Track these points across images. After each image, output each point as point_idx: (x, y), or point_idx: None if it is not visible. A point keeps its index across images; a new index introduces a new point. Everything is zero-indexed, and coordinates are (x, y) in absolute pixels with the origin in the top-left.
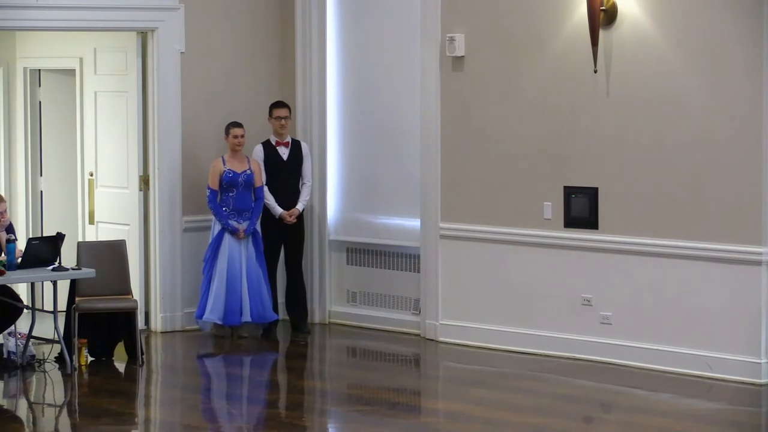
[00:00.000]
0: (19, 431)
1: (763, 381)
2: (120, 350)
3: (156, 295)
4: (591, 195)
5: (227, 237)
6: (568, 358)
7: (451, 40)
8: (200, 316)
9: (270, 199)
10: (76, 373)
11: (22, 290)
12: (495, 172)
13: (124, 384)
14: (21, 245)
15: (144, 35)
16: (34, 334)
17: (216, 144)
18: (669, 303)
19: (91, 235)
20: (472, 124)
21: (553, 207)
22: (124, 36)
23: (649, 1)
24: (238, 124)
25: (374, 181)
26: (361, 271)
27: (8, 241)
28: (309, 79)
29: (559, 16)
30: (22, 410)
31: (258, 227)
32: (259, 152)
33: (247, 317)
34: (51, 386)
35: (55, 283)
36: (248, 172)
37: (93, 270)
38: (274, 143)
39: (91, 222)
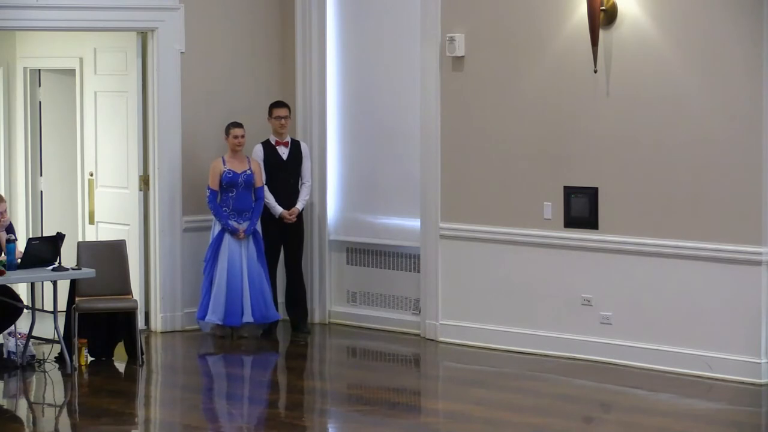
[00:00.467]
0: (19, 431)
1: (763, 381)
2: (120, 350)
3: (156, 295)
4: (591, 195)
5: (227, 237)
6: (568, 358)
7: (451, 40)
8: (202, 317)
9: (270, 199)
10: (76, 373)
11: (22, 290)
12: (495, 172)
13: (124, 384)
14: (21, 245)
15: (144, 35)
16: (34, 334)
17: (216, 144)
18: (669, 303)
19: (91, 235)
20: (472, 124)
21: (553, 207)
22: (124, 36)
23: (649, 1)
24: (239, 125)
25: (374, 181)
26: (361, 271)
27: (8, 241)
28: (309, 79)
29: (559, 16)
30: (22, 410)
31: (258, 227)
32: (258, 152)
33: (249, 317)
34: (51, 386)
35: (55, 283)
36: (248, 172)
37: (93, 270)
38: (273, 143)
39: (91, 222)
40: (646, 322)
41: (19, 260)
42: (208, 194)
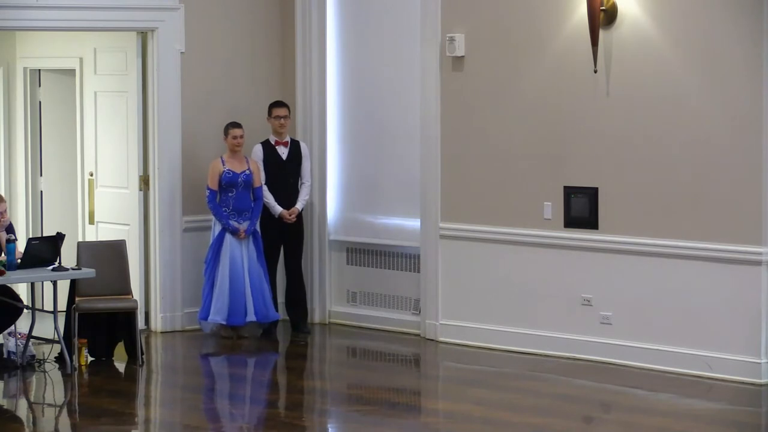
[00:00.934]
0: (19, 431)
1: (763, 381)
2: (120, 350)
3: (156, 295)
4: (591, 195)
5: (228, 238)
6: (568, 358)
7: (451, 40)
8: (204, 317)
9: (269, 199)
10: (76, 373)
11: (22, 290)
12: (495, 172)
13: (124, 384)
14: (21, 245)
15: (144, 35)
16: (34, 334)
17: (216, 144)
18: (669, 303)
19: (91, 235)
20: (472, 124)
21: (553, 207)
22: (124, 36)
23: (649, 1)
24: (237, 125)
25: (374, 181)
26: (361, 271)
27: (8, 241)
28: (309, 79)
29: (559, 16)
30: (22, 410)
31: (257, 227)
32: (258, 152)
33: (252, 317)
34: (51, 386)
35: (55, 283)
36: (247, 172)
37: (93, 270)
38: (273, 143)
39: (91, 222)
40: (646, 322)
41: (19, 260)
42: (207, 194)
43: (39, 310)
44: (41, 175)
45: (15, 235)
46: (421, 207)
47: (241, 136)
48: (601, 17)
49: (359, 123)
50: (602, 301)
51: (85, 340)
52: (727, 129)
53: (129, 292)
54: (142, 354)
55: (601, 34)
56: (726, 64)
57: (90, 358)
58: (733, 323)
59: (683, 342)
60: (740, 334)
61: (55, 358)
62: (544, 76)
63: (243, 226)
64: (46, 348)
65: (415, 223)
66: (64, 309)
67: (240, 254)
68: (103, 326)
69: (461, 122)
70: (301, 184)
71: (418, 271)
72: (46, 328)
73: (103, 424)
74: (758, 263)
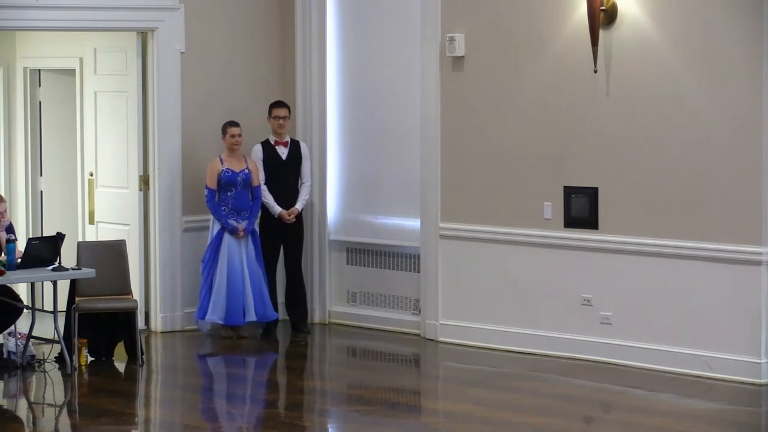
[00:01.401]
0: (19, 431)
1: (763, 381)
2: (120, 350)
3: (156, 295)
4: (591, 195)
5: (227, 237)
6: (568, 358)
7: (451, 40)
8: (201, 317)
9: (268, 198)
10: (76, 373)
11: (22, 290)
12: (495, 172)
13: (124, 384)
14: (21, 245)
15: (144, 35)
16: (34, 334)
17: (216, 144)
18: (669, 303)
19: (91, 235)
20: (472, 124)
21: (553, 207)
22: (124, 36)
23: (649, 1)
24: (235, 123)
25: (374, 181)
26: (361, 271)
27: (8, 241)
28: (309, 79)
29: (559, 16)
30: (22, 410)
31: (256, 227)
32: (258, 152)
33: (251, 317)
34: (51, 386)
35: (55, 283)
36: (246, 171)
37: (93, 270)
38: (273, 143)
39: (91, 222)
40: (646, 322)
41: (19, 260)
42: (206, 194)
43: (39, 310)
44: (41, 175)
45: (15, 235)
46: (421, 207)
47: (240, 135)
48: (601, 17)
49: (359, 123)
50: (602, 301)
51: (85, 340)
52: (727, 129)
53: (129, 292)
54: (142, 354)
55: (601, 34)
56: (726, 64)
57: (90, 358)
58: (733, 323)
59: (683, 342)
60: (740, 334)
61: (55, 358)
62: (544, 76)
63: (242, 225)
64: (46, 348)
65: (415, 223)
66: (64, 309)
67: (238, 254)
68: (103, 326)
69: (461, 122)
70: (301, 184)
71: (418, 271)
72: (46, 328)
73: (103, 424)
74: (758, 263)
